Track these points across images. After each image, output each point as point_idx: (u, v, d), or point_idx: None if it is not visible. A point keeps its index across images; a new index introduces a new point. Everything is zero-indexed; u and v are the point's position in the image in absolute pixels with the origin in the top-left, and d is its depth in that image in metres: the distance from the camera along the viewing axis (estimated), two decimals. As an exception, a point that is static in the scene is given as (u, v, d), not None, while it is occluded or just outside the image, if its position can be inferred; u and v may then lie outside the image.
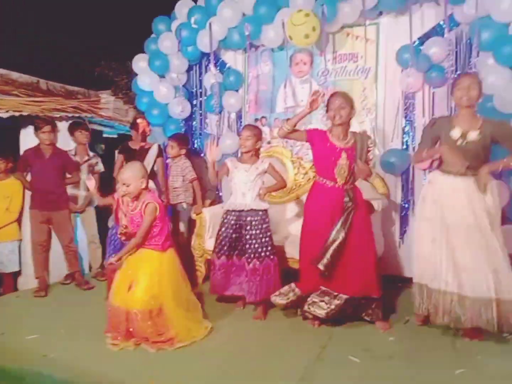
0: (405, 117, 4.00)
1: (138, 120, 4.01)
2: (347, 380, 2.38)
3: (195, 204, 4.20)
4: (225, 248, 3.30)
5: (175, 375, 2.44)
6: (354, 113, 3.04)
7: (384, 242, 3.83)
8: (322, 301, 2.92)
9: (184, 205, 4.19)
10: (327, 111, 3.02)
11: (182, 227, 4.22)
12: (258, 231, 3.23)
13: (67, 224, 4.05)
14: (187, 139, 4.40)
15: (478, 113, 3.50)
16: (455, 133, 2.73)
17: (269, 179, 3.43)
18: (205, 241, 4.02)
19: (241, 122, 4.71)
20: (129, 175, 2.81)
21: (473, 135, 2.68)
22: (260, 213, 3.26)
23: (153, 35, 4.80)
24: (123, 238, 2.93)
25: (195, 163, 4.36)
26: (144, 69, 4.72)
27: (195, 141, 4.91)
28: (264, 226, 3.25)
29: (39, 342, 2.87)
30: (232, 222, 3.29)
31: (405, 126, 4.01)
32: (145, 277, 2.78)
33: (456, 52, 3.74)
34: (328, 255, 2.90)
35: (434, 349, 2.68)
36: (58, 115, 4.31)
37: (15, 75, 5.56)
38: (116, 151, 4.38)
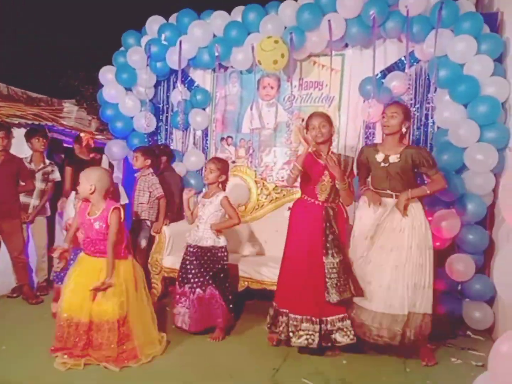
0: (366, 145, 4.13)
1: (82, 134, 4.04)
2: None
3: (158, 221, 4.14)
4: (182, 277, 3.30)
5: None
6: (334, 131, 3.16)
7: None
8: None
9: (148, 223, 4.12)
10: (306, 131, 3.07)
11: (143, 242, 4.14)
12: (205, 265, 3.21)
13: (18, 234, 3.88)
14: (152, 150, 4.34)
15: (433, 144, 3.72)
16: (379, 157, 2.99)
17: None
18: (163, 258, 3.95)
19: (207, 139, 4.73)
20: (96, 177, 2.77)
21: (393, 158, 2.93)
22: (209, 247, 3.25)
23: (122, 48, 4.77)
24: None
25: (169, 176, 4.35)
26: (110, 81, 4.67)
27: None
28: (212, 258, 3.24)
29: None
30: (186, 254, 3.34)
31: (365, 154, 4.14)
32: (112, 288, 2.71)
33: (415, 86, 3.94)
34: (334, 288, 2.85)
35: (385, 373, 2.72)
36: (16, 121, 4.17)
37: (-27, 78, 5.38)
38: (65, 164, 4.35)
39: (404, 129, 2.97)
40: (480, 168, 3.41)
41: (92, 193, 2.77)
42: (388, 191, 2.96)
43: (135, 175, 4.26)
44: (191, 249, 3.30)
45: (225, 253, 3.31)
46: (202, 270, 3.20)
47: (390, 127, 2.94)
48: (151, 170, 4.18)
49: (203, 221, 3.29)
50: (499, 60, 3.52)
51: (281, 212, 4.20)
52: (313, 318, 2.86)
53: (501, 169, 3.44)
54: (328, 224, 2.94)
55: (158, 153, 4.38)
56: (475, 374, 2.63)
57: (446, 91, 3.63)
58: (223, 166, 3.34)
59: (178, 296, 3.27)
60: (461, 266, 3.43)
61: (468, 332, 3.40)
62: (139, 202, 4.12)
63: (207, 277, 3.19)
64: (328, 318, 2.88)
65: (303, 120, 4.34)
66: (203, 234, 3.27)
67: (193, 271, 3.22)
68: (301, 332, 2.85)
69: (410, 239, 2.83)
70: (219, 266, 3.25)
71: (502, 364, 1.24)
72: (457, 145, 3.50)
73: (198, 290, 3.16)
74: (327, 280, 2.85)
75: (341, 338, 2.86)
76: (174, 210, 4.31)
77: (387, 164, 2.94)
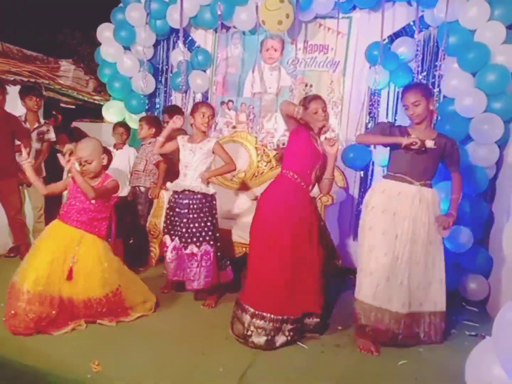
0: (369, 113, 4.05)
1: None
2: (295, 365, 2.40)
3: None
4: (168, 228, 3.11)
5: (119, 355, 2.36)
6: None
7: (339, 235, 3.89)
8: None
9: (142, 189, 4.07)
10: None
11: (139, 207, 4.11)
12: (196, 215, 3.01)
13: (14, 194, 3.83)
14: (158, 120, 4.25)
15: (438, 114, 3.63)
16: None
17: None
18: (161, 223, 3.93)
19: (207, 103, 4.62)
20: (90, 152, 2.67)
21: (430, 143, 2.61)
22: (199, 195, 3.02)
23: (120, 5, 4.59)
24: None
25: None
26: (108, 39, 4.52)
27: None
28: (204, 210, 3.02)
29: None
30: (171, 203, 3.12)
31: (368, 122, 4.07)
32: (95, 263, 2.66)
33: (423, 53, 3.82)
34: None
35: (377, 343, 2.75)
36: (12, 78, 4.05)
37: (-33, 32, 5.19)
38: None
39: (431, 107, 2.72)
40: (485, 139, 3.35)
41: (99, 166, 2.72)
42: (408, 178, 2.68)
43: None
44: (179, 199, 3.05)
45: (215, 202, 3.13)
46: (194, 222, 3.00)
47: (419, 115, 2.67)
48: (153, 139, 4.09)
49: (192, 168, 3.04)
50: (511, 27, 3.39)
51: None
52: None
53: (506, 141, 3.38)
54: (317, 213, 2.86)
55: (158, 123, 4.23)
56: (468, 343, 2.69)
57: (455, 59, 3.51)
58: (213, 111, 3.17)
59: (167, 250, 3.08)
60: (459, 238, 3.42)
61: (463, 303, 3.43)
62: (135, 169, 4.07)
63: (202, 232, 3.01)
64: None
65: (306, 85, 4.25)
66: (191, 182, 3.03)
67: (183, 223, 3.02)
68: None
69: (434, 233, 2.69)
70: (211, 218, 3.05)
71: (506, 331, 1.25)
72: (462, 115, 3.42)
73: (191, 246, 2.99)
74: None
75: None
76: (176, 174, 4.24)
77: (423, 148, 2.59)
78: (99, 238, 2.77)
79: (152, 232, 3.98)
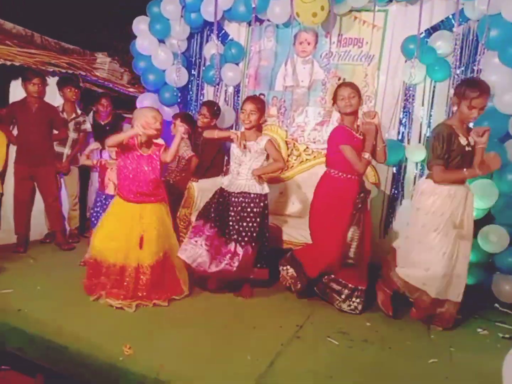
0: (404, 108, 3.97)
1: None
2: (323, 358, 2.39)
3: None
4: (211, 215, 3.04)
5: (149, 340, 2.42)
6: (362, 103, 3.06)
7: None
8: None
9: (171, 181, 4.13)
10: (334, 101, 3.04)
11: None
12: (245, 214, 3.02)
13: (52, 181, 3.97)
14: (192, 117, 4.29)
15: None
16: (462, 140, 2.71)
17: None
18: (192, 213, 3.98)
19: (238, 96, 4.63)
20: (160, 116, 2.87)
21: (471, 141, 2.72)
22: (252, 195, 3.04)
23: (156, -2, 4.64)
24: None
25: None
26: (144, 31, 4.58)
27: (191, 113, 4.81)
28: (255, 210, 3.02)
29: (14, 296, 2.82)
30: (221, 198, 3.10)
31: (402, 118, 3.99)
32: (154, 232, 2.87)
33: (462, 47, 3.71)
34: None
35: (409, 338, 2.71)
36: (51, 69, 4.17)
37: (9, 25, 5.38)
38: None
39: None
40: (525, 137, 3.24)
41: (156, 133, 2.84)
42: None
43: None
44: (234, 198, 3.04)
45: (267, 202, 3.15)
46: (245, 224, 3.01)
47: (476, 118, 2.72)
48: (186, 136, 4.13)
49: (246, 167, 3.05)
50: (558, 20, 3.25)
51: (310, 175, 4.12)
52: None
53: (547, 139, 3.26)
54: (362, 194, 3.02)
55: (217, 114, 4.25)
56: (501, 345, 2.62)
57: (495, 53, 3.40)
58: (263, 105, 3.13)
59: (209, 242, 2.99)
60: (494, 238, 3.32)
61: (496, 305, 3.34)
62: (169, 165, 4.12)
63: (250, 234, 3.01)
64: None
65: (339, 79, 4.20)
66: (246, 181, 3.04)
67: (234, 224, 3.02)
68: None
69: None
70: (261, 217, 3.06)
71: None
72: (502, 111, 3.31)
73: (239, 248, 2.99)
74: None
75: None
76: (204, 168, 4.28)
77: (470, 148, 2.71)
78: (159, 202, 2.95)
79: (182, 223, 4.03)
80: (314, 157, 4.25)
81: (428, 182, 2.80)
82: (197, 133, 4.24)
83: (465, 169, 2.68)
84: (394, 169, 4.03)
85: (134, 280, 2.81)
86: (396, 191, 4.04)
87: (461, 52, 3.72)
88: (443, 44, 3.71)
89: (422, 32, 3.76)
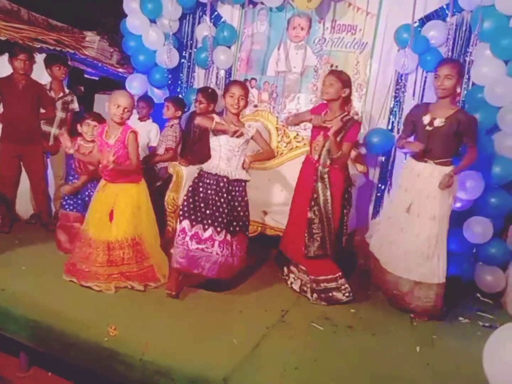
0: (395, 97, 3.98)
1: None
2: (307, 342, 2.43)
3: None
4: (192, 211, 2.82)
5: (135, 321, 2.42)
6: (347, 92, 2.95)
7: (356, 219, 3.87)
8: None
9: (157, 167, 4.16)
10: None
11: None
12: (237, 203, 2.92)
13: (38, 161, 3.90)
14: (184, 102, 4.27)
15: (465, 101, 3.54)
16: (425, 119, 2.85)
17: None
18: (179, 198, 3.96)
19: (229, 80, 4.58)
20: (131, 102, 2.83)
21: (438, 122, 2.79)
22: (243, 184, 2.95)
23: (148, -24, 4.54)
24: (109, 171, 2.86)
25: None
26: (135, 10, 4.48)
27: (181, 95, 4.75)
28: (245, 199, 2.96)
29: (-1, 276, 2.79)
30: (210, 186, 2.85)
31: (393, 107, 4.00)
32: (126, 209, 2.88)
33: (455, 38, 3.71)
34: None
35: (392, 324, 2.76)
36: (38, 46, 4.07)
37: (-7, -1, 5.21)
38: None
39: (458, 90, 2.83)
40: (513, 129, 3.27)
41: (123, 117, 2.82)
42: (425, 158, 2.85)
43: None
44: (217, 181, 2.84)
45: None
46: (232, 210, 2.88)
47: (445, 90, 2.75)
48: (176, 121, 4.12)
49: (237, 154, 2.88)
50: (550, 13, 3.27)
51: (300, 161, 4.12)
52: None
53: (535, 132, 3.29)
54: (320, 183, 2.96)
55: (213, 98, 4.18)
56: (481, 334, 2.68)
57: (487, 45, 3.41)
58: (248, 91, 3.02)
59: (187, 236, 2.80)
60: (479, 229, 3.37)
61: (478, 295, 3.40)
62: (157, 151, 4.11)
63: (239, 221, 2.91)
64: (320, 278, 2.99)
65: (331, 65, 4.18)
66: (236, 169, 2.89)
67: (219, 210, 2.81)
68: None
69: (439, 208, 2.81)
70: (245, 204, 2.96)
71: None
72: (491, 103, 3.33)
73: (228, 235, 2.84)
74: (305, 235, 2.96)
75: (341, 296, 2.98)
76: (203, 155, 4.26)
77: (431, 128, 2.81)
78: (135, 183, 2.96)
79: (170, 207, 4.01)
80: (304, 144, 4.23)
81: None
82: (195, 119, 4.21)
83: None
84: (383, 158, 4.04)
85: (106, 254, 2.83)
86: (384, 181, 4.06)
87: (453, 43, 3.72)
88: (436, 34, 3.70)
89: (415, 21, 3.75)
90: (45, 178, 4.05)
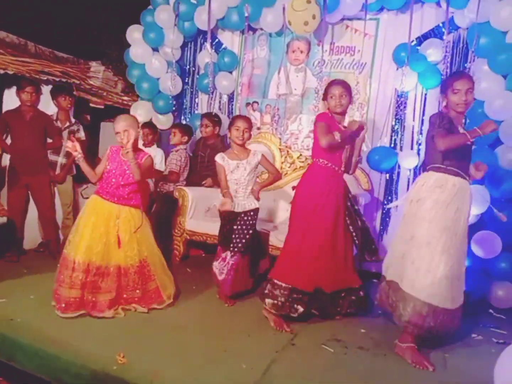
0: (396, 115, 4.01)
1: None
2: (318, 365, 2.39)
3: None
4: (239, 245, 3.07)
5: (143, 348, 2.40)
6: (352, 102, 3.08)
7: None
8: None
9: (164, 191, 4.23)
10: (324, 99, 2.96)
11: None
12: (243, 227, 3.07)
13: (46, 190, 3.95)
14: (191, 128, 4.40)
15: (466, 116, 3.55)
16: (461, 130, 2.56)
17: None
18: (186, 221, 3.99)
19: (232, 104, 4.66)
20: (128, 123, 2.80)
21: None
22: (252, 213, 3.11)
23: (150, 7, 4.68)
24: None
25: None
26: (137, 40, 4.61)
27: (185, 121, 4.83)
28: (251, 222, 3.10)
29: (7, 306, 2.80)
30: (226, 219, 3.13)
31: (394, 125, 4.03)
32: (132, 233, 2.86)
33: (452, 55, 3.76)
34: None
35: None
36: (45, 78, 4.18)
37: (2, 34, 5.38)
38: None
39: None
40: (516, 142, 3.28)
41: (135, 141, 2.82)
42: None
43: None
44: (243, 217, 3.08)
45: (257, 216, 3.19)
46: (244, 234, 3.07)
47: (468, 104, 2.57)
48: (183, 147, 4.21)
49: (244, 185, 3.10)
50: (545, 28, 3.31)
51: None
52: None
53: (538, 145, 3.29)
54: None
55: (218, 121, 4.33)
56: (495, 350, 2.62)
57: (485, 61, 3.45)
58: (250, 124, 3.18)
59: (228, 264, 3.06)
60: (487, 244, 3.34)
61: (490, 310, 3.35)
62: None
63: (248, 243, 3.08)
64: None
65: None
66: (246, 200, 3.11)
67: (239, 239, 3.07)
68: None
69: None
70: (251, 230, 3.11)
71: None
72: (492, 118, 3.34)
73: (237, 256, 3.06)
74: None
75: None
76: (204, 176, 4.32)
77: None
78: (135, 208, 2.93)
79: (177, 230, 4.03)
80: (308, 163, 4.26)
81: None
82: (202, 144, 4.29)
83: None
84: (387, 175, 4.05)
85: (115, 280, 2.80)
86: (390, 198, 4.06)
87: (451, 60, 3.78)
88: (433, 51, 3.76)
89: (413, 40, 3.82)
90: (53, 207, 4.10)
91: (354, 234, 2.94)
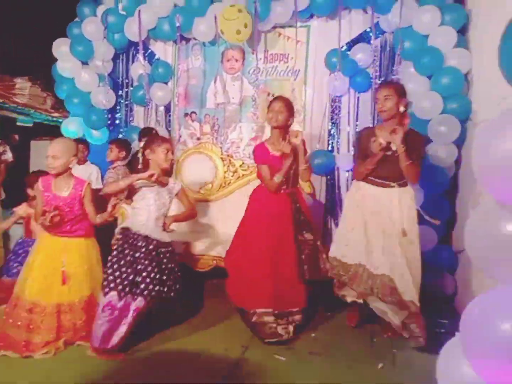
0: (331, 119, 4.10)
1: None
2: (272, 377, 2.37)
3: None
4: (120, 280, 2.49)
5: None
6: (292, 121, 3.06)
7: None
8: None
9: None
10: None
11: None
12: (174, 265, 2.73)
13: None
14: (128, 143, 4.26)
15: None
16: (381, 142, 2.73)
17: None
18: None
19: (169, 115, 4.57)
20: (61, 148, 2.60)
21: (394, 147, 2.69)
22: (170, 245, 2.77)
23: (76, 19, 4.49)
24: (55, 221, 2.59)
25: None
26: (65, 54, 4.40)
27: (120, 135, 4.67)
28: (169, 258, 2.71)
29: None
30: (138, 248, 2.58)
31: (331, 129, 4.12)
32: (79, 268, 2.67)
33: (381, 58, 3.91)
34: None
35: (353, 343, 2.77)
36: (-38, 98, 3.88)
37: None
38: None
39: (402, 109, 2.73)
40: (443, 140, 3.44)
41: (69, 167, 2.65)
42: (387, 181, 2.77)
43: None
44: (142, 243, 2.59)
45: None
46: (159, 275, 2.60)
47: (387, 111, 2.71)
48: (121, 163, 4.09)
49: (158, 211, 2.68)
50: (462, 31, 3.53)
51: (248, 189, 4.10)
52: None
53: (463, 141, 3.49)
54: (295, 205, 2.98)
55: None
56: (440, 340, 2.72)
57: (411, 63, 3.62)
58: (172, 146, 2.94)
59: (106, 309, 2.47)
60: (423, 237, 3.47)
61: (430, 301, 3.47)
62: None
63: (164, 287, 2.61)
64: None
65: (268, 94, 4.26)
66: (155, 226, 2.67)
67: (147, 274, 2.55)
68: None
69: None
70: (176, 269, 2.78)
71: (472, 328, 1.27)
72: (420, 117, 3.51)
73: (141, 300, 2.53)
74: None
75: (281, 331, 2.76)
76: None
77: (390, 152, 2.72)
78: (83, 238, 2.75)
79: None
80: (251, 172, 4.25)
81: None
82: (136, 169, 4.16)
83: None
84: (328, 177, 4.13)
85: (55, 320, 2.58)
86: (332, 201, 4.13)
87: (380, 63, 3.92)
88: (363, 56, 3.89)
89: (343, 46, 3.93)
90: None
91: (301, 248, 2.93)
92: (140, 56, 4.35)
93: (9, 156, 4.03)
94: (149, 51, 4.53)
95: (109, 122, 4.61)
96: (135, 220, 2.69)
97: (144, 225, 2.64)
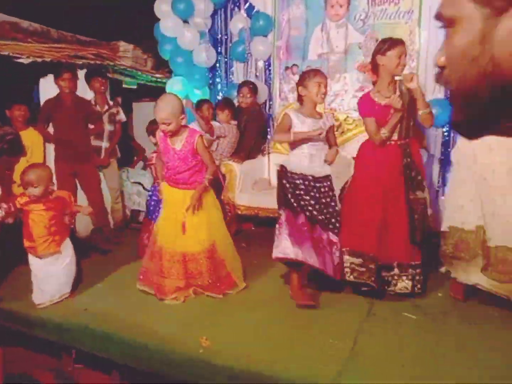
0: (450, 64, 3.73)
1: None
2: (405, 334, 2.30)
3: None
4: (291, 202, 2.61)
5: (225, 331, 2.35)
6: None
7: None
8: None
9: None
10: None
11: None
12: (329, 199, 2.72)
13: (94, 177, 3.91)
14: (233, 103, 4.27)
15: None
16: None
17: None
18: (235, 197, 3.91)
19: (270, 70, 4.45)
20: (169, 113, 2.59)
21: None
22: (331, 179, 2.75)
23: (175, -23, 4.44)
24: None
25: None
26: (166, 13, 4.41)
27: (221, 92, 4.67)
28: (333, 193, 2.75)
29: (78, 297, 2.79)
30: (299, 185, 2.65)
31: (449, 76, 3.75)
32: (199, 219, 2.75)
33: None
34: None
35: (485, 308, 2.57)
36: (80, 62, 4.07)
37: (25, 23, 5.27)
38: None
39: None
40: None
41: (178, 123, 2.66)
42: None
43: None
44: (317, 183, 2.67)
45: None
46: (331, 210, 2.71)
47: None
48: (235, 122, 4.14)
49: (320, 149, 2.67)
50: None
51: (353, 145, 3.95)
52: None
53: None
54: (407, 159, 2.72)
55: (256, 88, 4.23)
56: None
57: None
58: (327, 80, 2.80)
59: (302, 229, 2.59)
60: None
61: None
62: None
63: (335, 220, 2.70)
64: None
65: (376, 40, 3.96)
66: (321, 168, 2.69)
67: (324, 211, 2.67)
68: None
69: None
70: (337, 202, 2.79)
71: None
72: None
73: (332, 236, 2.69)
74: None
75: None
76: (246, 150, 4.21)
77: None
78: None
79: (227, 207, 3.95)
80: (356, 125, 4.07)
81: None
82: (239, 114, 4.17)
83: None
84: (444, 129, 3.82)
85: (182, 267, 2.74)
86: (446, 155, 3.83)
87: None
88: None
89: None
90: (101, 192, 4.06)
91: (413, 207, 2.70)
92: (242, 9, 4.24)
93: (122, 116, 4.20)
94: (248, 3, 4.40)
95: (210, 81, 4.61)
96: (290, 161, 2.71)
97: (297, 164, 2.67)
